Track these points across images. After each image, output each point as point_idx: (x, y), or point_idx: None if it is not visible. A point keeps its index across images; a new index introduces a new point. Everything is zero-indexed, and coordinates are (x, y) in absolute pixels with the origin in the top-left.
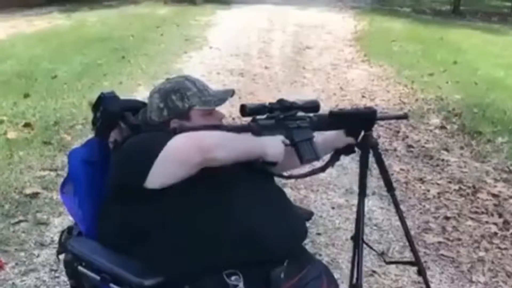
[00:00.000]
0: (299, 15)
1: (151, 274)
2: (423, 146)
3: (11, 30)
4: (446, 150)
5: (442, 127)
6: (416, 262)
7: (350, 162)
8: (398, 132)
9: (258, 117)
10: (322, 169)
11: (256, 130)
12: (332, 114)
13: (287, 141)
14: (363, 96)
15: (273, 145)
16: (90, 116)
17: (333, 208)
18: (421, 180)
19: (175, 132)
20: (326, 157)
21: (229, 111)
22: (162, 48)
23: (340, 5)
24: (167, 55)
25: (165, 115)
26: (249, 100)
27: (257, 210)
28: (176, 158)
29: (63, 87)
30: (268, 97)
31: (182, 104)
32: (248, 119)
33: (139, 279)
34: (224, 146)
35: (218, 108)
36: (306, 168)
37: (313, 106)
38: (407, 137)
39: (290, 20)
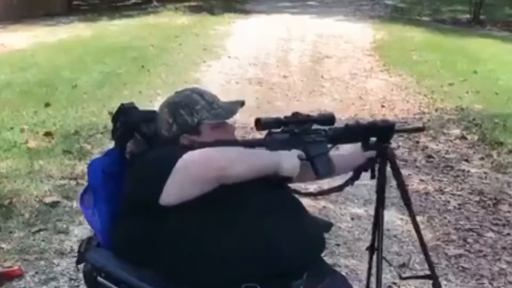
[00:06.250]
0: (317, 25)
1: (170, 287)
2: (443, 157)
3: (32, 40)
4: (467, 160)
5: (463, 138)
6: (431, 276)
7: (369, 172)
8: (418, 142)
9: (273, 130)
10: (340, 187)
11: (271, 144)
12: (348, 127)
13: (303, 156)
14: (382, 106)
15: (288, 160)
16: (110, 125)
17: (352, 219)
18: (441, 191)
19: (189, 148)
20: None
21: (247, 121)
22: (181, 57)
23: (359, 14)
24: (186, 64)
25: (175, 130)
26: (268, 109)
27: (274, 222)
28: (190, 176)
29: (83, 96)
30: (286, 107)
31: (191, 119)
32: (263, 132)
33: None
34: (239, 162)
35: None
36: (325, 182)
37: (329, 119)
38: (426, 147)
39: (308, 29)
